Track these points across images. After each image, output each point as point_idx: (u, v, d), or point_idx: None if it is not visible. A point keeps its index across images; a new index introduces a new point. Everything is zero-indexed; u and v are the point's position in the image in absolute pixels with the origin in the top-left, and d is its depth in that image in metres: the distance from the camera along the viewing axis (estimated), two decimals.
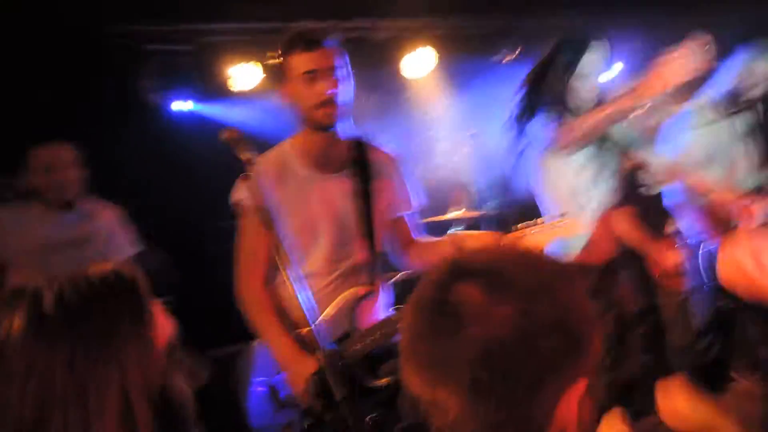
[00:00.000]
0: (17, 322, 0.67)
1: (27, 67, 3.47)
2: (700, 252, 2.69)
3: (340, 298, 1.97)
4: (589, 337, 0.72)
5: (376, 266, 2.04)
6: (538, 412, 0.69)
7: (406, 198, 2.15)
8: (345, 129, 2.02)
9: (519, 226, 1.94)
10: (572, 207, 2.29)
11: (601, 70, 2.29)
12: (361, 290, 1.98)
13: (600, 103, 2.31)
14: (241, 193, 2.00)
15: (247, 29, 4.47)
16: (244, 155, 1.67)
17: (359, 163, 2.03)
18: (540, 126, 2.25)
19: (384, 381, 1.87)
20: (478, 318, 0.68)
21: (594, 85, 2.28)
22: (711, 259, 2.66)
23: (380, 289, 2.07)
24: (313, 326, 1.44)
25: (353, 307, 1.95)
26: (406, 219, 2.18)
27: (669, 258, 2.85)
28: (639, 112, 2.21)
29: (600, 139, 2.27)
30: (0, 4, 3.11)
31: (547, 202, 2.39)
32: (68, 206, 2.67)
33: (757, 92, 2.70)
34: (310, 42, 1.91)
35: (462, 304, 0.69)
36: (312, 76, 1.91)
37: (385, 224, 2.08)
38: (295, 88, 1.95)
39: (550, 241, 1.89)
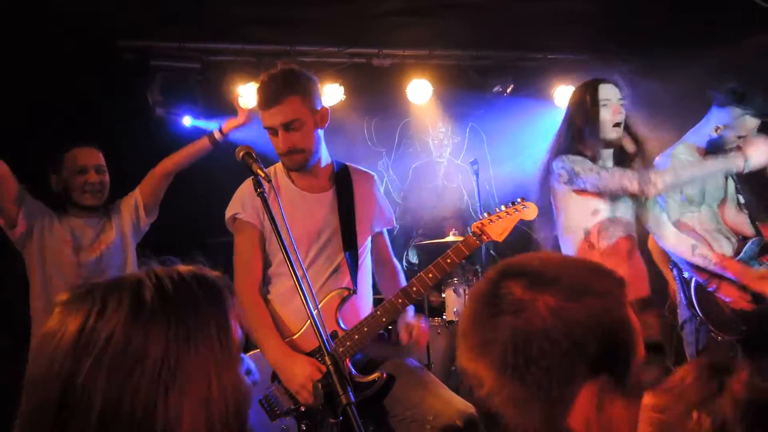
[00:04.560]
0: (120, 309, 0.72)
1: (37, 78, 3.52)
2: (693, 285, 2.73)
3: (324, 300, 2.03)
4: (612, 338, 0.80)
5: (357, 270, 2.12)
6: (559, 395, 0.77)
7: (384, 213, 2.26)
8: (323, 157, 2.13)
9: (485, 214, 2.07)
10: (580, 237, 2.40)
11: (618, 99, 2.40)
12: (343, 292, 2.04)
13: (628, 132, 2.43)
14: (236, 208, 2.10)
15: (253, 51, 4.58)
16: (259, 171, 1.72)
17: (341, 183, 2.15)
18: (576, 164, 2.35)
19: (373, 377, 1.93)
20: (514, 309, 0.80)
21: (617, 113, 2.39)
22: (702, 291, 2.70)
23: (361, 290, 2.13)
24: (318, 330, 1.46)
25: (337, 308, 2.02)
26: (385, 236, 2.30)
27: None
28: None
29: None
30: (17, 14, 3.17)
31: (562, 231, 2.47)
32: (97, 207, 2.69)
33: (741, 144, 2.80)
34: (266, 101, 2.00)
35: (504, 296, 0.82)
36: (272, 131, 2.02)
37: (365, 235, 2.18)
38: (268, 136, 2.07)
39: (514, 225, 2.06)
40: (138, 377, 0.69)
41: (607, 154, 2.43)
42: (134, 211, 2.80)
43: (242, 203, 2.09)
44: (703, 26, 3.86)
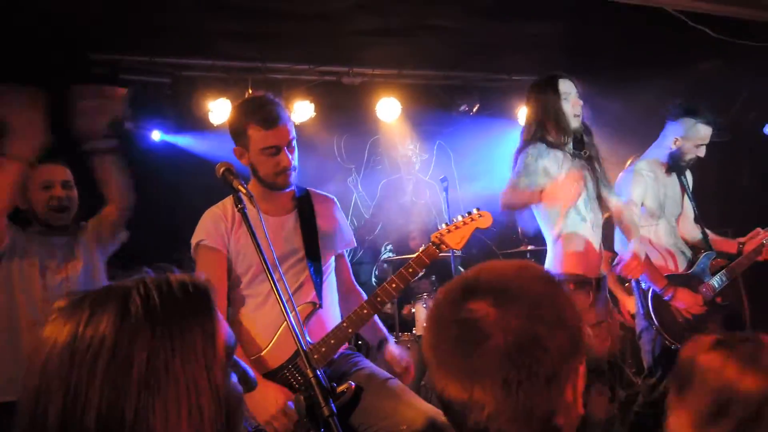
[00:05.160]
0: (107, 318, 0.74)
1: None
2: (650, 295, 2.85)
3: (292, 315, 2.04)
4: (581, 330, 0.86)
5: (322, 285, 2.16)
6: (555, 397, 0.82)
7: (344, 235, 2.31)
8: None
9: (444, 225, 2.16)
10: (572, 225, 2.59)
11: (575, 93, 2.62)
12: (308, 306, 2.08)
13: (586, 128, 2.67)
14: (200, 235, 2.11)
15: (224, 66, 4.60)
16: (239, 187, 1.74)
17: (303, 206, 2.21)
18: (544, 153, 2.54)
19: (342, 388, 1.93)
20: (497, 329, 0.81)
21: (576, 105, 2.61)
22: (658, 301, 2.83)
23: (326, 304, 2.17)
24: (301, 345, 1.48)
25: (304, 322, 2.05)
26: (346, 259, 2.36)
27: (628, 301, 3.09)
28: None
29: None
30: None
31: (546, 222, 2.63)
32: (66, 227, 2.59)
33: (700, 153, 2.96)
34: (268, 121, 2.02)
35: (479, 320, 0.82)
36: (273, 151, 2.05)
37: (329, 253, 2.23)
38: (256, 158, 2.08)
39: (471, 233, 2.15)
40: (127, 383, 0.71)
41: (569, 141, 2.63)
42: (104, 229, 2.68)
43: (206, 230, 2.10)
44: (659, 50, 4.08)
